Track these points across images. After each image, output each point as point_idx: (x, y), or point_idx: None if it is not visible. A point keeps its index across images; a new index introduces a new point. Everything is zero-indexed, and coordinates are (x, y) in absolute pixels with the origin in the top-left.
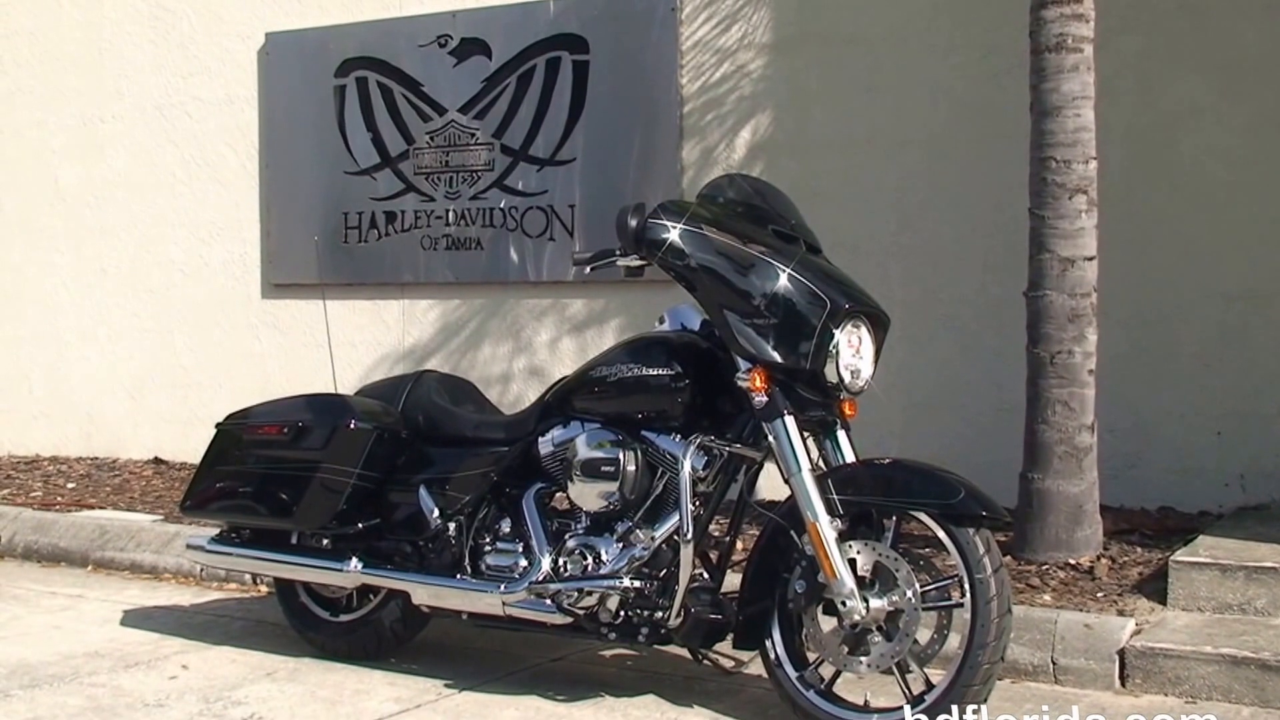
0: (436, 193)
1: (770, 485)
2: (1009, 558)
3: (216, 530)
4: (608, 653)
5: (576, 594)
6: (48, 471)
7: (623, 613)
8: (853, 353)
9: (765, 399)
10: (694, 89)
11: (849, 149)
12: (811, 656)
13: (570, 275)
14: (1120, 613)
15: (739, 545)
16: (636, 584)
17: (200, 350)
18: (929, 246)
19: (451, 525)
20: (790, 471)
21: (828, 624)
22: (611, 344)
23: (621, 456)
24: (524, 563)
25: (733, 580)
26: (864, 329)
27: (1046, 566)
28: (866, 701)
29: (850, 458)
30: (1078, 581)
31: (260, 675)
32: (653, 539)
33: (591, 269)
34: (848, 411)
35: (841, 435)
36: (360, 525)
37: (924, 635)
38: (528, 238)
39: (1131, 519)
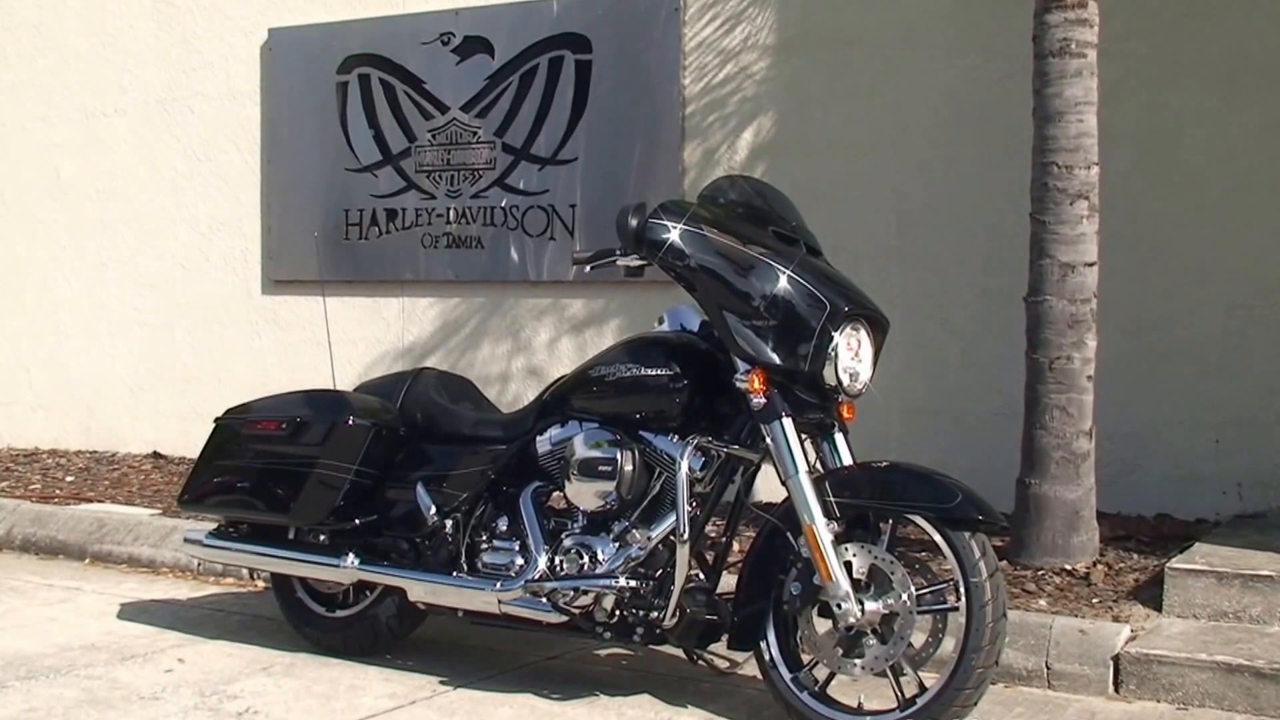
0: (438, 191)
1: (767, 487)
2: (1005, 562)
3: (214, 525)
4: (603, 652)
5: (572, 593)
6: (46, 464)
7: (618, 612)
8: (851, 355)
9: (763, 400)
10: (696, 90)
11: (851, 152)
12: (806, 658)
13: (570, 275)
14: (1115, 619)
15: (735, 546)
16: (632, 584)
17: (200, 345)
18: (929, 250)
19: (448, 523)
20: (787, 473)
21: (823, 626)
22: (611, 344)
23: (619, 456)
24: (520, 561)
25: (728, 581)
26: (863, 332)
27: (1042, 572)
28: (860, 704)
29: (847, 460)
30: (1073, 587)
31: (256, 669)
32: (649, 539)
33: (591, 268)
34: (846, 414)
35: (839, 438)
36: (357, 521)
37: (919, 639)
38: (528, 237)
39: (1128, 525)
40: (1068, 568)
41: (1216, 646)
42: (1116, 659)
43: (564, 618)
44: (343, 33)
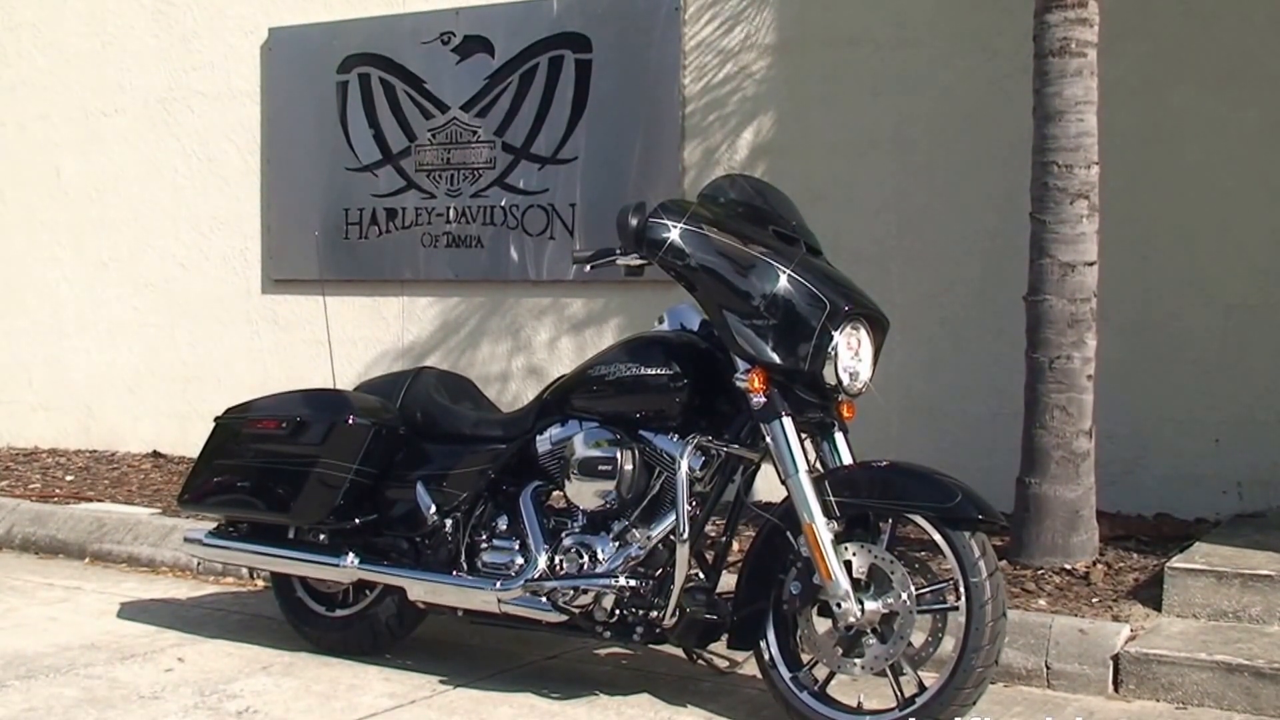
0: (438, 190)
1: (767, 486)
2: (1005, 562)
3: (214, 524)
4: (603, 651)
5: (572, 592)
6: (46, 464)
7: (618, 611)
8: (851, 355)
9: (763, 400)
10: (696, 89)
11: (851, 151)
12: (806, 658)
13: (570, 274)
14: (1115, 618)
15: (735, 546)
16: (632, 583)
17: (200, 344)
18: (929, 250)
19: (448, 522)
20: (787, 473)
21: (822, 625)
22: (610, 343)
23: (619, 456)
24: (520, 560)
25: (728, 581)
26: (863, 331)
27: (1042, 571)
28: (860, 703)
29: (847, 460)
30: (1073, 587)
31: (256, 669)
32: (649, 538)
33: (591, 268)
34: (845, 413)
35: (839, 437)
36: (357, 521)
37: (918, 638)
38: (528, 236)
39: (1128, 525)
40: (1067, 567)
41: (1216, 646)
42: (1116, 658)
43: (564, 617)
44: (343, 32)
